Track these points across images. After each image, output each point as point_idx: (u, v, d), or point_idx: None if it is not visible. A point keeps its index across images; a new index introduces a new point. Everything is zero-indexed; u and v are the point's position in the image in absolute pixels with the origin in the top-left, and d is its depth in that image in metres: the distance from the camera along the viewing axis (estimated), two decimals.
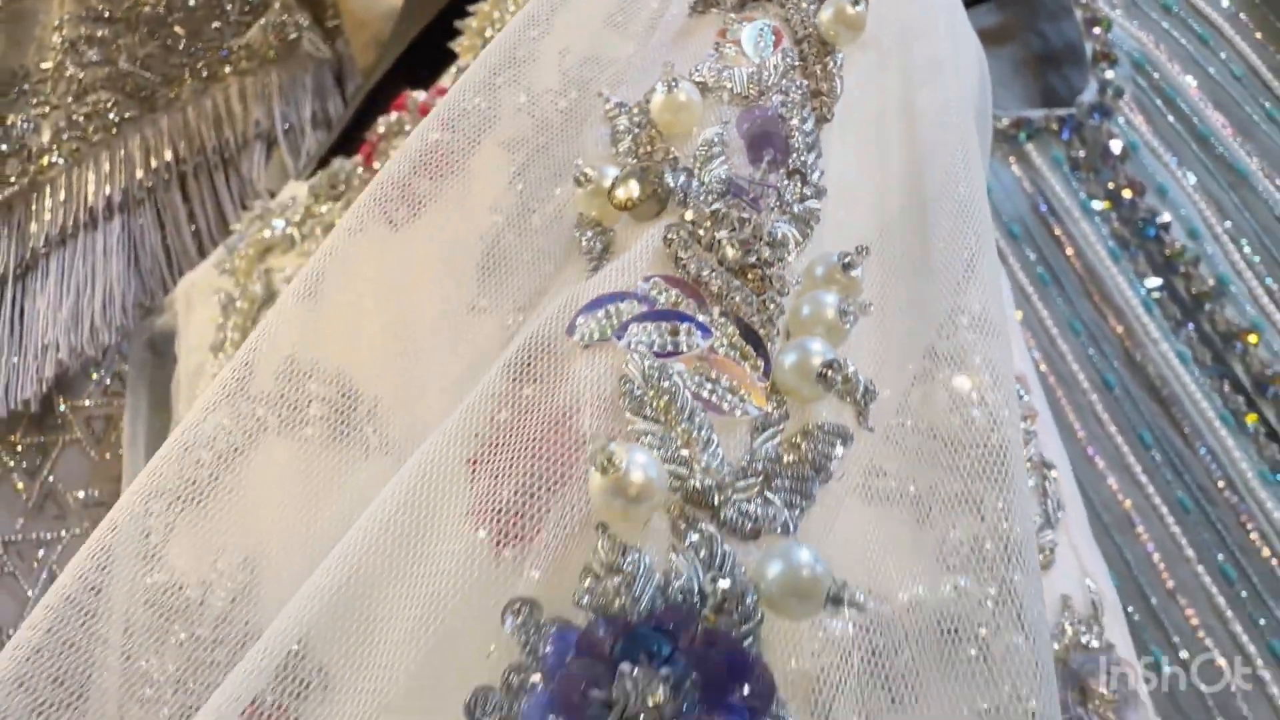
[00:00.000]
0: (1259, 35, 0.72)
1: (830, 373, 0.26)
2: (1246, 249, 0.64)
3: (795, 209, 0.30)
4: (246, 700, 0.42)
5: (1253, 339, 0.61)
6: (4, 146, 0.76)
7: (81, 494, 0.69)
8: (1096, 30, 0.74)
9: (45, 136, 0.77)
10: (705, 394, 0.27)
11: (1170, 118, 0.70)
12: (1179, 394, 0.60)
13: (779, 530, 0.25)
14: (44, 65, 0.79)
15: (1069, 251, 0.65)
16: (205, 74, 0.81)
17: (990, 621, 0.25)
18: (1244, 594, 0.54)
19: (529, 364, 0.39)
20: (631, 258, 0.30)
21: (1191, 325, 0.63)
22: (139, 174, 0.77)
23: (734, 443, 0.26)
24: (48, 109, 0.78)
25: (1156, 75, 0.72)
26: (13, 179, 0.75)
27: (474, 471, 0.40)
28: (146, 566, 0.61)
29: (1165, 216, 0.66)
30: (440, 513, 0.41)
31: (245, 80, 0.82)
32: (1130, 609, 0.53)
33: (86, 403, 0.71)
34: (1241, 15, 0.74)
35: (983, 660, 0.25)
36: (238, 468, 0.59)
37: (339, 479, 0.56)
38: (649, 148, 0.32)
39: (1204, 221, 0.66)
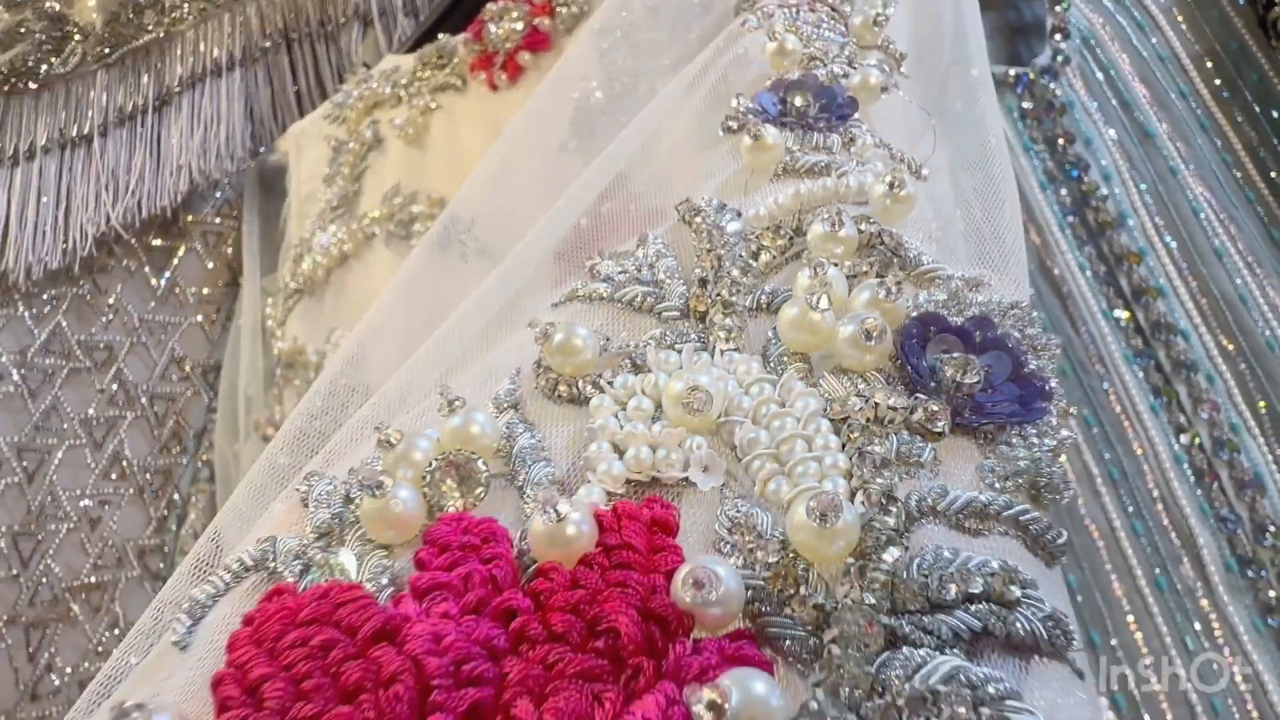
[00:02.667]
0: (1185, 26, 0.90)
1: (880, 18, 0.47)
2: (1145, 193, 0.82)
3: None
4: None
5: (1136, 260, 0.79)
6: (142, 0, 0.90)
7: (195, 289, 0.85)
8: (1058, 8, 0.91)
9: None
10: (818, 32, 0.46)
11: (1104, 85, 0.87)
12: (1075, 293, 0.78)
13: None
14: None
15: None
16: None
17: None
18: (1096, 433, 0.73)
19: (608, 188, 0.56)
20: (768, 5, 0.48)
21: (1092, 245, 0.80)
22: (254, 37, 0.92)
23: (834, 50, 0.45)
24: None
25: (1099, 50, 0.89)
26: (150, 28, 0.89)
27: (559, 260, 0.57)
28: (269, 334, 0.77)
29: (1087, 161, 0.83)
30: (530, 292, 0.58)
31: None
32: None
33: (204, 219, 0.87)
34: (1174, 9, 0.91)
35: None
36: (348, 268, 0.76)
37: (438, 278, 0.72)
38: None
39: (1115, 168, 0.83)
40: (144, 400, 0.80)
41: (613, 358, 0.29)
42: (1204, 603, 0.67)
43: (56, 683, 0.71)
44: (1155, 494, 0.71)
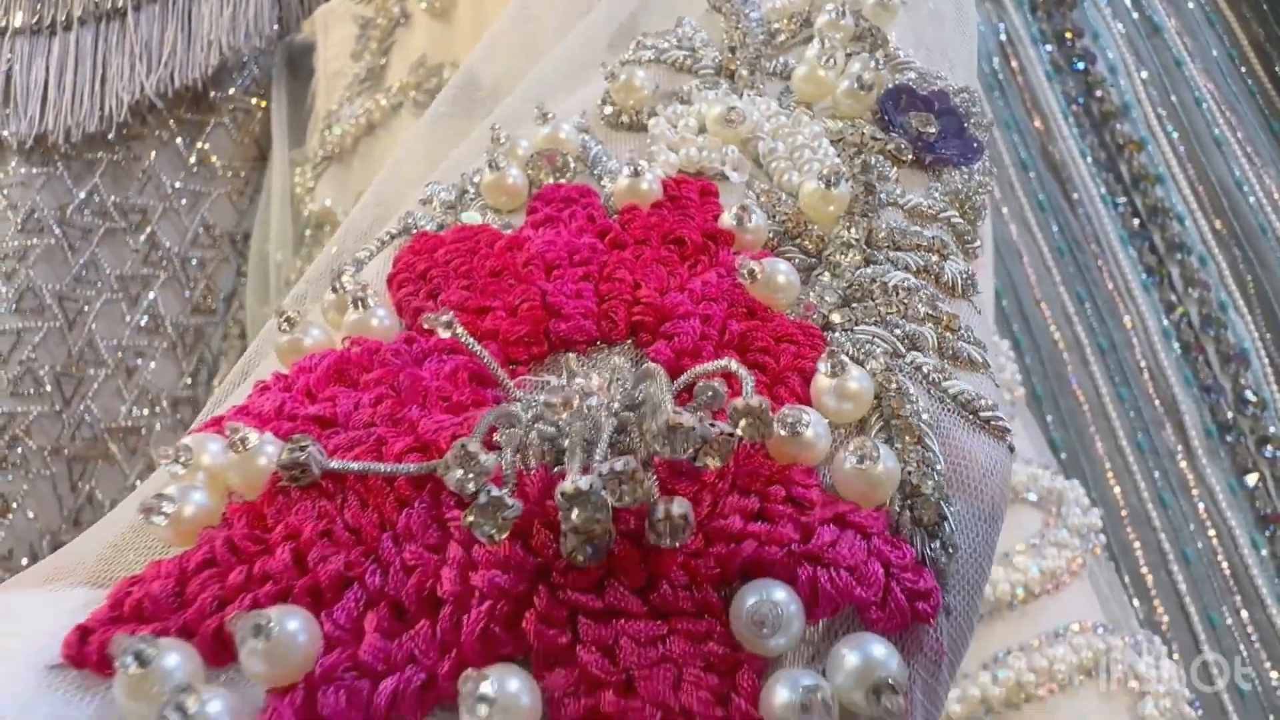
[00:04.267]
0: None
1: None
2: (1148, 84, 0.84)
3: None
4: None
5: (1137, 148, 0.81)
6: None
7: (224, 162, 0.88)
8: None
9: None
10: None
11: None
12: (1074, 177, 0.80)
13: None
14: None
15: (1014, 65, 0.84)
16: None
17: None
18: (1088, 307, 0.75)
19: (623, 36, 0.58)
20: None
21: (1095, 134, 0.82)
22: None
23: None
24: None
25: None
26: None
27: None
28: (298, 201, 0.80)
29: (1094, 54, 0.85)
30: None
31: None
32: (1004, 302, 0.75)
33: (232, 94, 0.90)
34: None
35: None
36: (375, 137, 0.79)
37: (461, 141, 0.75)
38: None
39: (1122, 61, 0.85)
40: (176, 262, 0.83)
41: (664, 95, 0.36)
42: (1183, 464, 0.70)
43: (96, 517, 0.75)
44: (1142, 364, 0.74)
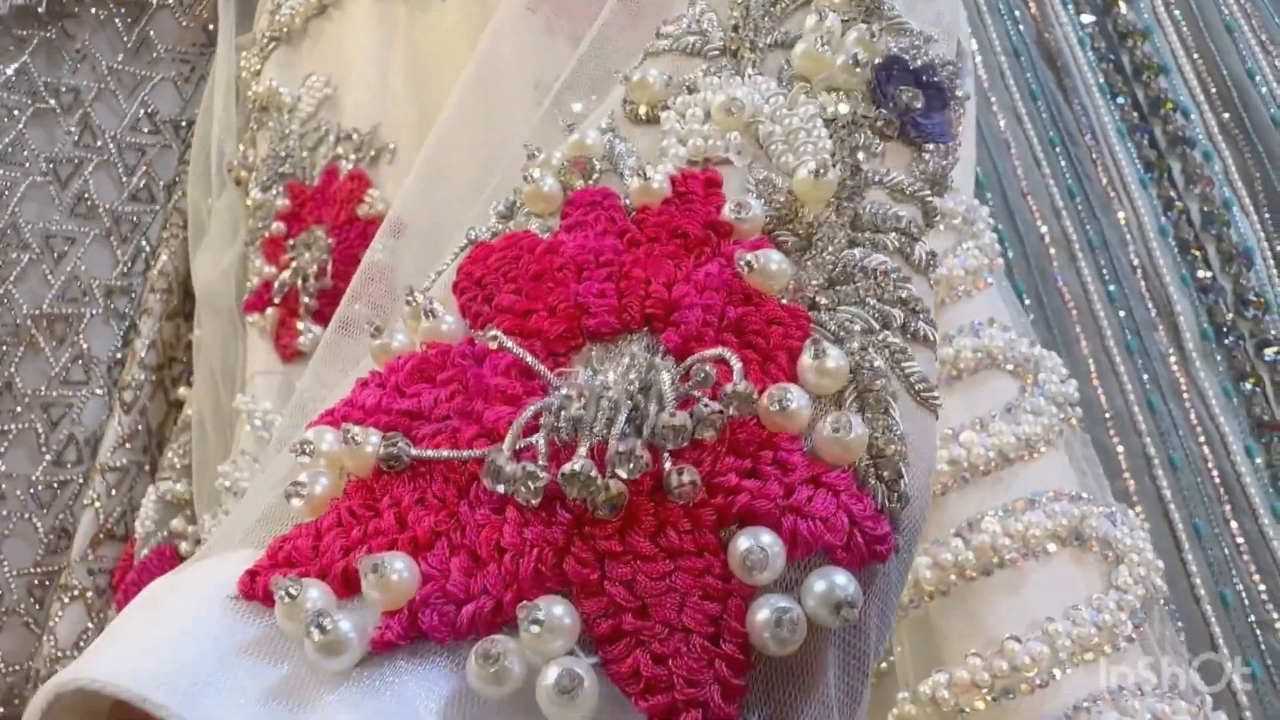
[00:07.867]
0: None
1: None
2: None
3: None
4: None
5: (1141, 39, 0.75)
6: None
7: (167, 46, 0.83)
8: None
9: None
10: None
11: None
12: (1070, 65, 0.74)
13: None
14: None
15: None
16: None
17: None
18: (1079, 202, 0.70)
19: None
20: None
21: (1095, 20, 0.76)
22: None
23: None
24: None
25: None
26: None
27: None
28: (244, 86, 0.75)
29: None
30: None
31: None
32: (988, 195, 0.69)
33: None
34: None
35: None
36: (327, 17, 0.74)
37: (415, 21, 0.70)
38: None
39: None
40: (113, 147, 0.79)
41: (675, 87, 0.39)
42: (1175, 368, 0.65)
43: (16, 404, 0.71)
44: (1135, 263, 0.68)
